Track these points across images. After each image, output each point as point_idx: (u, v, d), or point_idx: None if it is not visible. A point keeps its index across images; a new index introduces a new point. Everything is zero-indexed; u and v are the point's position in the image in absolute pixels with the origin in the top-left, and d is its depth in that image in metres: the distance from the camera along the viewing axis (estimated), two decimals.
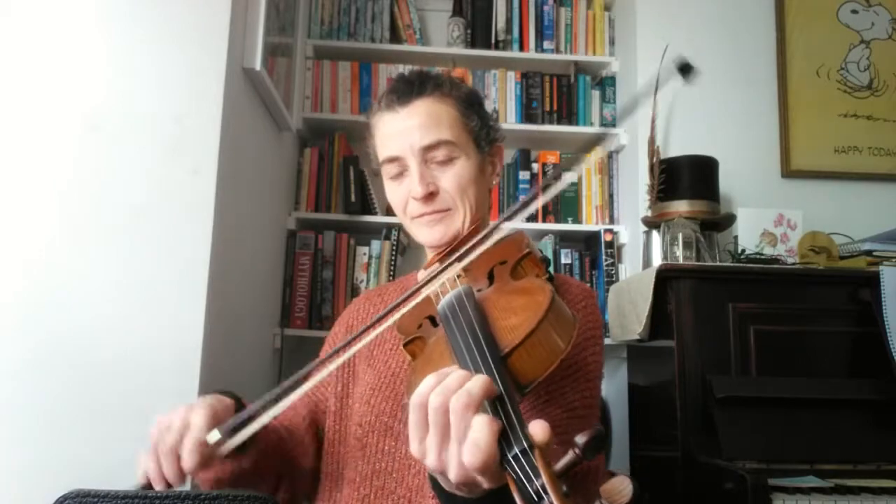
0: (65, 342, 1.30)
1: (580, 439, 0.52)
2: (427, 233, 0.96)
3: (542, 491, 0.51)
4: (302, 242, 2.23)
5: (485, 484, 0.55)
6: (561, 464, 0.53)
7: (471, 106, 0.98)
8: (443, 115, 0.94)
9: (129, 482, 1.10)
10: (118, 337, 1.32)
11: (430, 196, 0.93)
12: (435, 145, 0.93)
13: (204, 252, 1.37)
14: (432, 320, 0.82)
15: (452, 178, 0.94)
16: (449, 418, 0.55)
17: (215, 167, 1.40)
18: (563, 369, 0.83)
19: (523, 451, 0.53)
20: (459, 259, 0.85)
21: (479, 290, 0.79)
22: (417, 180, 0.92)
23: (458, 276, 0.83)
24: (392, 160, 0.95)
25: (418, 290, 0.79)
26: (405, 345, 0.83)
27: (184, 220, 1.37)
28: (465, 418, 0.54)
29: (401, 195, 0.96)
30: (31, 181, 1.34)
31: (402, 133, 0.94)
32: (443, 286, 0.81)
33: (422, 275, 1.07)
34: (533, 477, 0.52)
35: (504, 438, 0.55)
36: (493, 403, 0.57)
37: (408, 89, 0.95)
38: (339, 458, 0.95)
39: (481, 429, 0.53)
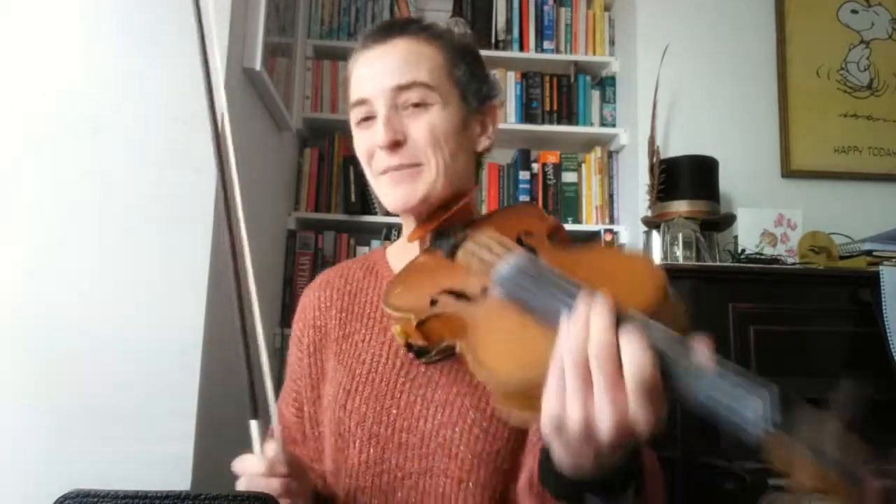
0: (65, 342, 1.30)
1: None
2: (390, 193, 0.81)
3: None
4: (302, 242, 2.23)
5: (645, 427, 0.46)
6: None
7: (462, 56, 0.85)
8: (422, 57, 0.81)
9: (128, 482, 1.10)
10: (118, 337, 1.32)
11: (396, 145, 0.78)
12: (407, 86, 0.79)
13: (204, 252, 1.37)
14: (460, 296, 0.67)
15: (424, 126, 0.79)
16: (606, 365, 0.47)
17: (215, 167, 1.40)
18: None
19: (775, 398, 0.43)
20: (471, 226, 0.75)
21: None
22: (383, 127, 0.78)
23: (504, 245, 0.70)
24: (360, 102, 0.81)
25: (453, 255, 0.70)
26: (418, 324, 0.69)
27: (184, 219, 1.37)
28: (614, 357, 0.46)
29: (366, 144, 0.82)
30: (32, 182, 1.34)
31: (374, 73, 0.81)
32: (478, 255, 0.69)
33: (394, 251, 0.93)
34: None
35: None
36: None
37: (389, 27, 0.84)
38: (323, 465, 0.84)
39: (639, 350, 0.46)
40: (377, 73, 0.80)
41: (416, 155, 0.79)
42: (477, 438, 0.72)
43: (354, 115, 0.83)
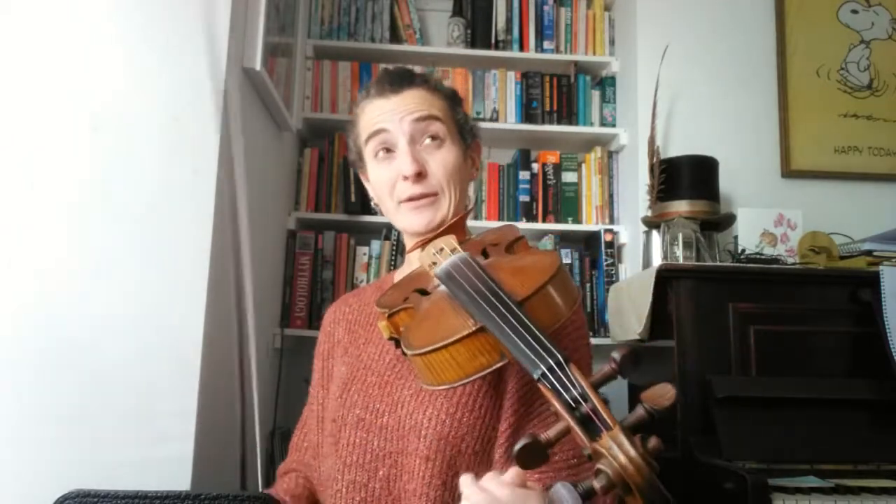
0: (65, 342, 1.30)
1: (616, 354, 0.56)
2: (413, 218, 0.94)
3: (580, 398, 0.55)
4: (302, 242, 2.23)
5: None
6: (596, 377, 0.57)
7: (456, 102, 1.01)
8: (434, 102, 0.96)
9: (128, 482, 1.10)
10: (118, 337, 1.31)
11: (419, 176, 0.91)
12: (425, 118, 0.93)
13: (204, 252, 1.37)
14: (422, 292, 0.83)
15: (440, 161, 0.93)
16: None
17: (215, 167, 1.40)
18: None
19: (558, 364, 0.59)
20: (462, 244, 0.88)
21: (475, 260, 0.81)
22: (409, 159, 0.91)
23: (453, 250, 0.84)
24: (379, 132, 0.93)
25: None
26: (389, 316, 0.82)
27: (184, 220, 1.37)
28: None
29: (389, 176, 0.94)
30: (31, 182, 1.34)
31: (393, 110, 0.93)
32: (437, 258, 0.83)
33: (399, 273, 1.07)
34: (570, 386, 0.56)
35: (534, 357, 0.61)
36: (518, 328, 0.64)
37: (399, 80, 0.96)
38: (321, 459, 0.96)
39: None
40: (396, 108, 0.92)
41: (433, 186, 0.93)
42: (443, 423, 0.81)
43: (372, 148, 0.95)
